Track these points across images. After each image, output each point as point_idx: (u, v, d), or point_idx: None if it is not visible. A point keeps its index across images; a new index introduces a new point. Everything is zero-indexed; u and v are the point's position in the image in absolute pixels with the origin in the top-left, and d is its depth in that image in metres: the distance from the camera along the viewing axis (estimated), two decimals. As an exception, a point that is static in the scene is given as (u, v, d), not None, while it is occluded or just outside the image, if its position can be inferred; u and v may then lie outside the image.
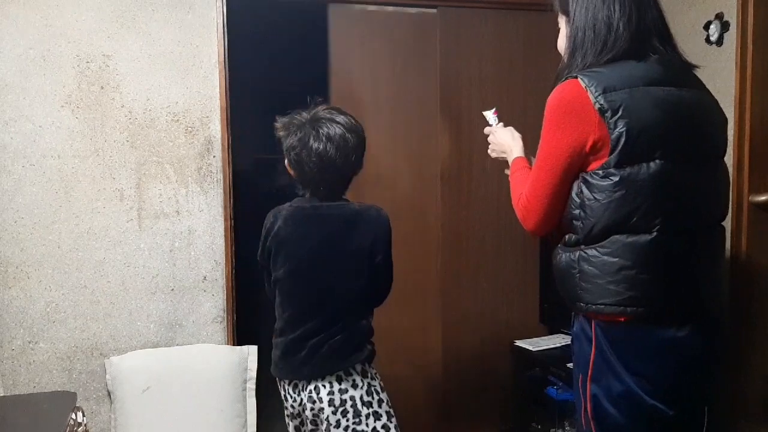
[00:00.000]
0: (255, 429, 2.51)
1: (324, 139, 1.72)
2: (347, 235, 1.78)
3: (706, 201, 1.45)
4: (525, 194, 1.53)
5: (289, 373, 1.82)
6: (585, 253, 1.43)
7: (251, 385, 2.51)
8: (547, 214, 1.49)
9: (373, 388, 1.80)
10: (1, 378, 2.43)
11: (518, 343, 2.98)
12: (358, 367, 1.79)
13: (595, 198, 1.39)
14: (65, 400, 1.96)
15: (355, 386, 1.77)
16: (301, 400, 1.80)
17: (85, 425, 1.93)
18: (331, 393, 1.76)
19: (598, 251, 1.41)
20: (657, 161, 1.36)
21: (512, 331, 3.06)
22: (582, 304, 1.46)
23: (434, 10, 2.91)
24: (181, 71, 2.53)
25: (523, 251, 3.07)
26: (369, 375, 1.82)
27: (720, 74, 2.46)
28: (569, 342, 2.91)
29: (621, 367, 1.42)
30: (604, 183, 1.38)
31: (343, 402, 1.76)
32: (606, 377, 1.44)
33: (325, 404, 1.76)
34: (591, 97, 1.37)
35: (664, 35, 1.48)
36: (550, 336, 3.04)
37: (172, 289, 2.56)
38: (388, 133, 2.91)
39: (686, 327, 1.41)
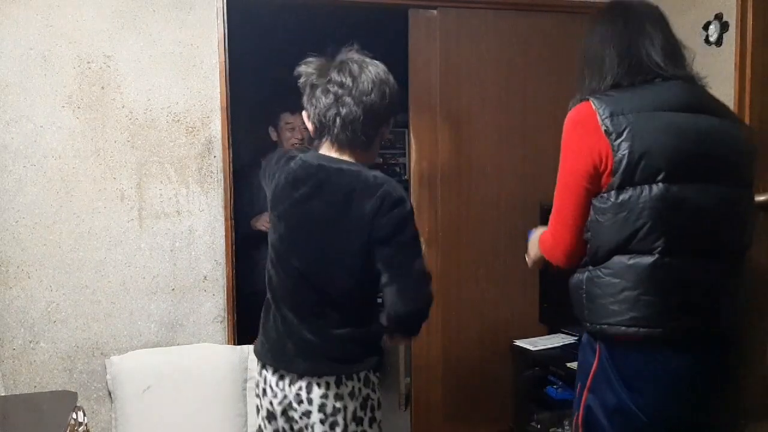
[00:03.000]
0: (255, 428, 2.52)
1: (364, 75, 1.55)
2: (343, 214, 1.52)
3: (715, 226, 1.44)
4: (550, 226, 1.57)
5: (279, 362, 1.62)
6: (591, 273, 1.48)
7: (251, 385, 2.51)
8: (573, 238, 1.51)
9: (369, 403, 1.62)
10: (2, 378, 2.43)
11: (518, 342, 2.98)
12: (362, 375, 1.61)
13: (598, 220, 1.43)
14: (66, 400, 1.96)
15: (352, 395, 1.58)
16: (285, 396, 1.61)
17: (86, 425, 1.93)
18: (325, 396, 1.57)
19: (602, 272, 1.45)
20: (660, 184, 1.38)
21: (512, 331, 3.06)
22: (587, 324, 1.51)
23: (434, 11, 2.92)
24: (181, 71, 2.54)
25: (523, 251, 3.06)
26: (371, 385, 1.63)
27: (719, 74, 2.46)
28: (569, 342, 2.92)
29: (619, 383, 1.45)
30: (607, 205, 1.41)
31: (335, 411, 1.56)
32: (603, 390, 1.47)
33: (314, 407, 1.57)
34: (599, 119, 1.40)
35: (680, 64, 1.51)
36: (549, 336, 3.04)
37: (173, 289, 2.56)
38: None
39: (687, 354, 1.43)
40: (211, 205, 2.57)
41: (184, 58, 2.54)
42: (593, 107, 1.42)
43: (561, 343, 2.92)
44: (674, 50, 1.51)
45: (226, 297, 2.61)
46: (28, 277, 2.45)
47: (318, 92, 1.57)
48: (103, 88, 2.48)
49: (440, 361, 3.02)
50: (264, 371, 1.67)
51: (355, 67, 1.56)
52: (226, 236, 2.58)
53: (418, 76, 2.95)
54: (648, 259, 1.39)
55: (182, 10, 2.52)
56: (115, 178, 2.50)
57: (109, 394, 2.49)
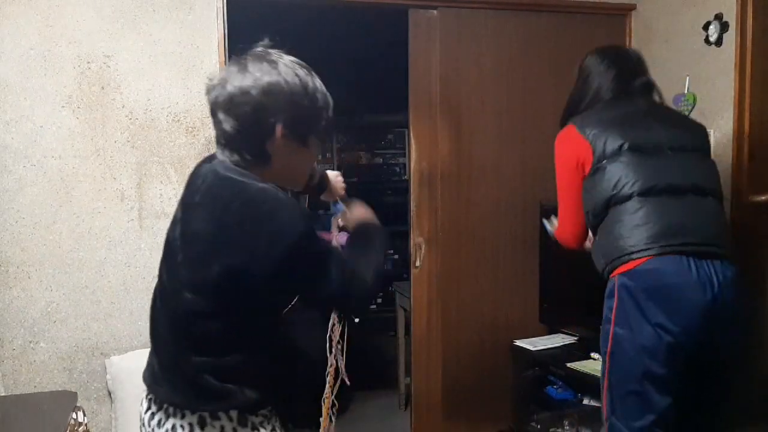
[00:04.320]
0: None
1: (249, 72, 1.28)
2: (209, 229, 1.26)
3: (679, 173, 1.82)
4: (559, 221, 2.05)
5: (150, 382, 1.42)
6: (598, 230, 1.87)
7: (251, 385, 2.51)
8: (578, 228, 1.98)
9: None
10: (2, 378, 2.43)
11: (518, 342, 2.98)
12: (233, 414, 1.29)
13: (587, 190, 1.89)
14: (66, 400, 1.96)
15: None
16: None
17: (86, 425, 1.94)
18: None
19: (604, 223, 1.84)
20: (625, 153, 1.82)
21: (512, 331, 3.06)
22: (601, 266, 1.85)
23: (434, 11, 2.92)
24: (181, 71, 2.54)
25: (523, 251, 3.08)
26: (250, 426, 1.31)
27: (719, 74, 2.47)
28: (569, 342, 2.93)
29: (637, 308, 1.71)
30: (595, 177, 1.85)
31: None
32: (625, 317, 1.73)
33: None
34: (579, 132, 1.90)
35: (646, 91, 1.99)
36: (549, 336, 3.04)
37: (173, 289, 2.56)
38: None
39: (691, 269, 1.69)
40: (211, 205, 2.57)
41: (184, 58, 2.54)
42: (573, 124, 1.93)
43: (561, 343, 2.92)
44: (628, 81, 1.99)
45: (226, 297, 2.61)
46: (28, 277, 2.45)
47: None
48: (103, 88, 2.48)
49: (440, 361, 3.02)
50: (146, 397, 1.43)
51: (225, 73, 1.32)
52: (226, 236, 2.57)
53: (418, 76, 2.95)
54: (629, 202, 1.78)
55: (182, 10, 2.52)
56: (115, 178, 2.50)
57: (109, 394, 2.49)
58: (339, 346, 1.98)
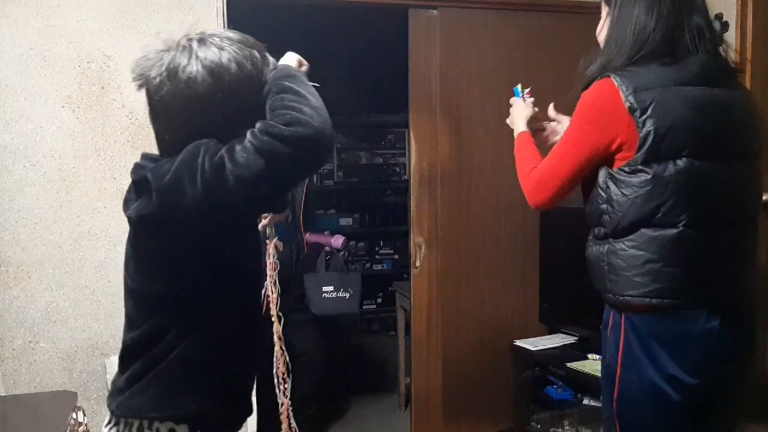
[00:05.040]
0: (255, 428, 2.52)
1: (200, 60, 1.15)
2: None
3: (735, 198, 1.50)
4: (540, 171, 1.60)
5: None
6: (613, 246, 1.50)
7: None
8: (558, 194, 1.57)
9: None
10: (2, 378, 2.43)
11: (518, 342, 2.98)
12: (165, 428, 1.14)
13: (622, 194, 1.46)
14: (66, 400, 1.96)
15: None
16: None
17: (86, 425, 1.94)
18: None
19: (625, 245, 1.47)
20: (684, 159, 1.42)
21: (512, 330, 3.06)
22: (610, 295, 1.52)
23: (434, 11, 2.92)
24: (181, 71, 2.53)
25: (523, 251, 3.07)
26: None
27: (719, 74, 2.46)
28: (569, 342, 2.92)
29: (648, 357, 1.47)
30: (632, 179, 1.44)
31: None
32: (635, 365, 1.49)
33: None
34: (622, 95, 1.42)
35: (706, 38, 1.50)
36: (550, 336, 3.04)
37: (173, 289, 2.56)
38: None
39: (714, 319, 1.45)
40: (211, 205, 2.57)
41: (184, 58, 2.53)
42: (615, 84, 1.44)
43: (561, 343, 2.92)
44: (709, 25, 1.52)
45: (226, 297, 2.61)
46: (28, 277, 2.45)
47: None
48: (103, 88, 2.48)
49: (440, 361, 3.02)
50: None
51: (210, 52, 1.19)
52: (226, 236, 2.57)
53: (418, 76, 2.94)
54: (672, 232, 1.43)
55: (182, 10, 2.52)
56: (115, 178, 2.49)
57: (109, 394, 2.49)
58: (286, 384, 1.93)
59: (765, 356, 2.40)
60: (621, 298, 1.49)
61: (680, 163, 1.41)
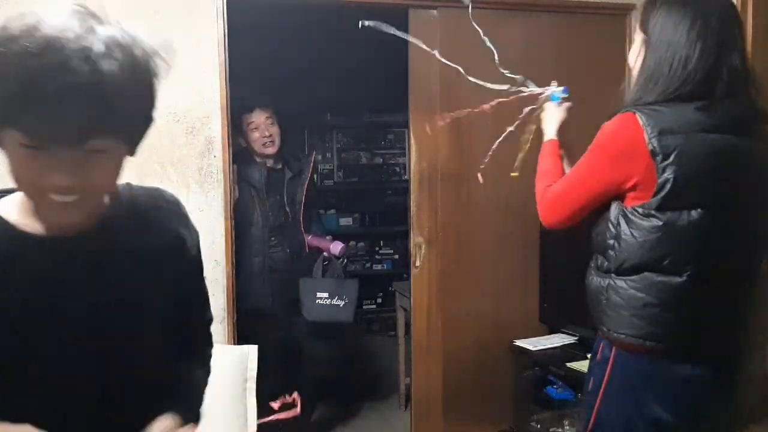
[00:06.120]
0: (255, 428, 2.52)
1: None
2: None
3: (743, 250, 1.47)
4: (553, 192, 1.58)
5: None
6: (614, 282, 1.47)
7: (251, 385, 2.51)
8: (571, 219, 1.55)
9: None
10: None
11: (518, 342, 2.98)
12: None
13: (632, 234, 1.42)
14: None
15: None
16: None
17: (86, 425, 1.93)
18: None
19: (627, 284, 1.45)
20: (699, 210, 1.38)
21: (512, 330, 3.06)
22: (605, 328, 1.51)
23: (434, 11, 2.92)
24: (181, 71, 2.53)
25: (523, 251, 3.08)
26: None
27: (719, 74, 2.45)
28: (569, 342, 2.93)
29: (630, 395, 1.47)
30: (644, 223, 1.41)
31: None
32: (616, 398, 1.48)
33: None
34: (646, 137, 1.37)
35: (741, 81, 1.44)
36: (550, 336, 3.04)
37: (173, 289, 2.56)
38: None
39: (705, 367, 1.45)
40: (211, 205, 2.57)
41: (184, 58, 2.53)
42: (639, 123, 1.38)
43: (561, 343, 2.92)
44: (745, 67, 1.44)
45: (226, 297, 2.61)
46: None
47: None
48: (103, 88, 2.47)
49: (440, 361, 3.02)
50: None
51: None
52: (226, 236, 2.58)
53: (418, 76, 2.95)
54: (676, 280, 1.40)
55: (182, 10, 2.52)
56: (115, 178, 2.49)
57: (109, 394, 2.49)
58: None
59: (765, 356, 2.40)
60: (615, 334, 1.47)
61: (694, 214, 1.37)
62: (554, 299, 2.99)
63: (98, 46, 0.88)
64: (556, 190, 1.57)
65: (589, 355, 2.66)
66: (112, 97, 0.88)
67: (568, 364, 2.68)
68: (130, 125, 1.01)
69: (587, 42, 3.03)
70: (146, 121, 1.06)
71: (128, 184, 1.21)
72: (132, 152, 1.09)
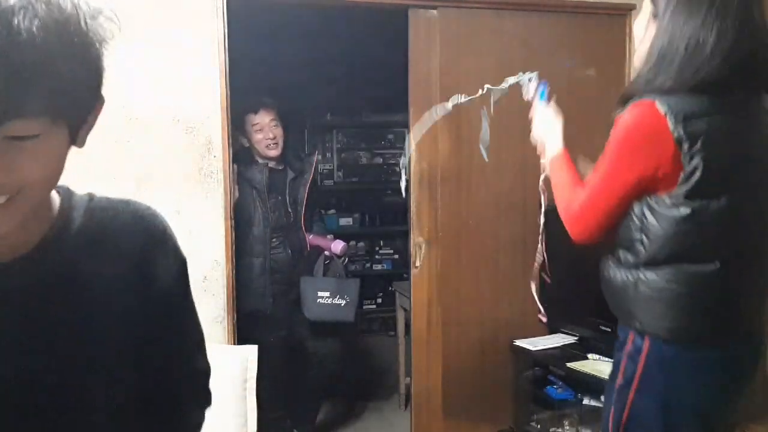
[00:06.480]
0: (255, 428, 2.52)
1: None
2: None
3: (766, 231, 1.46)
4: (579, 204, 1.48)
5: None
6: (644, 276, 1.43)
7: (251, 384, 2.50)
8: (602, 229, 1.47)
9: None
10: None
11: (518, 342, 2.98)
12: None
13: (660, 226, 1.39)
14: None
15: None
16: None
17: (86, 425, 1.92)
18: None
19: (657, 275, 1.42)
20: (725, 197, 1.36)
21: (512, 330, 3.06)
22: (637, 323, 1.47)
23: (434, 11, 2.92)
24: (181, 71, 2.53)
25: (523, 251, 3.07)
26: None
27: (719, 74, 2.45)
28: (569, 342, 2.92)
29: (667, 384, 1.45)
30: (672, 213, 1.37)
31: None
32: (652, 390, 1.46)
33: None
34: (670, 124, 1.31)
35: (762, 62, 1.37)
36: (550, 336, 3.04)
37: (173, 289, 2.56)
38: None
39: (739, 350, 1.47)
40: (211, 205, 2.57)
41: (184, 58, 2.53)
42: (661, 111, 1.32)
43: (561, 343, 2.92)
44: (760, 52, 1.36)
45: (226, 297, 2.61)
46: (28, 277, 2.44)
47: None
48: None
49: (440, 361, 3.02)
50: None
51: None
52: (226, 236, 2.58)
53: (418, 76, 2.94)
54: (709, 268, 1.39)
55: (182, 10, 2.52)
56: (115, 178, 2.49)
57: (109, 394, 2.49)
58: None
59: (765, 356, 2.39)
60: (650, 326, 1.44)
61: (723, 200, 1.35)
62: (554, 299, 2.98)
63: None
64: (581, 200, 1.48)
65: (589, 355, 2.69)
66: (34, 65, 0.64)
67: (568, 364, 2.68)
68: (64, 103, 0.73)
69: (587, 42, 3.04)
70: (89, 98, 0.82)
71: (89, 194, 0.94)
72: (75, 140, 0.84)
